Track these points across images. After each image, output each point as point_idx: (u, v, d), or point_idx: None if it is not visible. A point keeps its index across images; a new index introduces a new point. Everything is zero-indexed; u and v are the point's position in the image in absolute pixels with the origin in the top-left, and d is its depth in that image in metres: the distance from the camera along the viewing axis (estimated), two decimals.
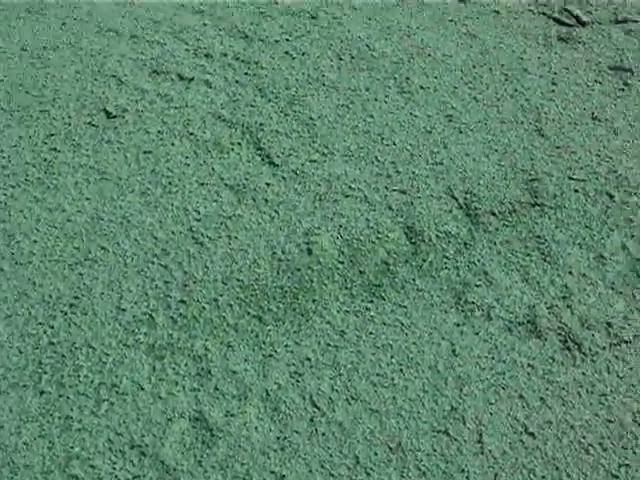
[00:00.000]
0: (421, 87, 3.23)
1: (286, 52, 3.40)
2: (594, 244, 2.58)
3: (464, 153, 2.92)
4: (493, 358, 2.25)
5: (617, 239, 2.60)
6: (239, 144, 2.96)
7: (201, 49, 3.43)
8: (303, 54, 3.39)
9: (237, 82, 3.24)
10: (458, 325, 2.34)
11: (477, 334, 2.31)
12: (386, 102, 3.15)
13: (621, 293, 2.43)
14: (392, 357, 2.25)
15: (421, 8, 3.67)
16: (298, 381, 2.20)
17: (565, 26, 3.57)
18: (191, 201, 2.74)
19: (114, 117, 3.08)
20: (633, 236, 2.60)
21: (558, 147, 2.95)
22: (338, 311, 2.38)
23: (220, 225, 2.65)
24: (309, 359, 2.26)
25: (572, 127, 3.04)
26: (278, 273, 2.50)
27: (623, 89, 3.23)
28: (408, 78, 3.27)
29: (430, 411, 2.12)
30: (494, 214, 2.68)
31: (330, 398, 2.16)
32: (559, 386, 2.18)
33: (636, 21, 3.54)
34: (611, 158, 2.91)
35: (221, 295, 2.44)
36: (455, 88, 3.22)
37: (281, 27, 3.55)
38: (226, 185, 2.79)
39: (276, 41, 3.46)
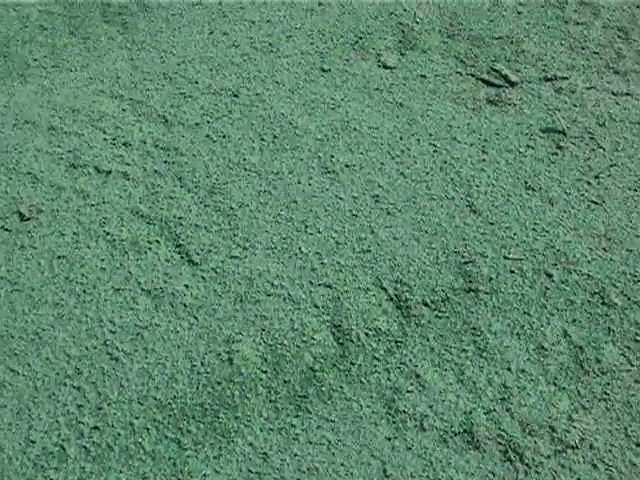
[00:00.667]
0: (346, 165, 3.07)
1: (207, 135, 3.24)
2: (533, 332, 2.41)
3: (392, 237, 2.76)
4: (428, 477, 2.06)
5: (558, 325, 2.43)
6: (157, 242, 2.78)
7: (119, 137, 3.27)
8: (224, 136, 3.23)
9: (156, 172, 3.08)
10: (389, 439, 2.15)
11: (410, 449, 2.13)
12: (310, 184, 2.99)
13: (564, 389, 2.25)
14: None
15: (346, 78, 3.53)
16: None
17: (494, 87, 3.43)
18: (106, 311, 2.56)
19: (28, 219, 2.91)
20: (574, 320, 2.43)
21: (491, 223, 2.79)
22: (261, 429, 2.20)
23: (136, 336, 2.47)
24: None
25: (505, 199, 2.88)
26: (198, 388, 2.31)
27: (556, 153, 3.08)
28: (333, 156, 3.11)
29: None
30: (426, 304, 2.51)
31: None
32: None
33: (565, 78, 3.41)
34: (548, 231, 2.75)
35: (137, 418, 2.25)
36: (382, 164, 3.07)
37: (202, 108, 3.39)
38: (143, 290, 2.61)
39: (196, 124, 3.31)
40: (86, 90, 3.57)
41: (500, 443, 2.13)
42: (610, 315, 2.48)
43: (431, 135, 3.21)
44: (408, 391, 2.27)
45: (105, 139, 3.27)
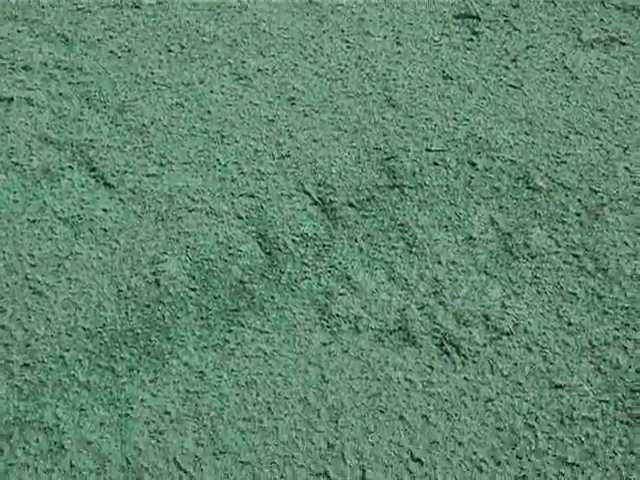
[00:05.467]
0: (259, 70, 2.96)
1: (111, 51, 3.09)
2: (461, 223, 2.39)
3: (312, 139, 2.69)
4: (367, 378, 2.04)
5: (485, 213, 2.40)
6: (70, 167, 2.67)
7: (18, 61, 3.10)
8: (129, 51, 3.09)
9: (61, 94, 2.93)
10: (325, 344, 2.12)
11: (346, 352, 2.10)
12: (223, 93, 2.88)
13: (495, 277, 2.24)
14: (258, 395, 2.04)
15: None
16: (159, 441, 1.97)
17: None
18: (24, 244, 2.46)
19: None
20: (501, 207, 2.41)
21: (411, 116, 2.73)
22: (195, 348, 2.15)
23: (58, 267, 2.38)
24: (169, 412, 2.02)
25: (423, 91, 2.82)
26: (126, 314, 2.25)
27: (472, 39, 3.01)
28: (244, 61, 3.00)
29: (306, 453, 1.92)
30: (352, 205, 2.47)
31: (196, 456, 1.94)
32: (441, 398, 1.99)
33: None
34: (468, 120, 2.70)
35: (67, 350, 2.18)
36: (295, 65, 2.97)
37: (102, 23, 3.23)
38: (60, 219, 2.51)
39: (99, 40, 3.15)
40: None
41: (436, 337, 2.12)
42: (536, 199, 2.46)
43: (343, 31, 3.11)
44: (340, 294, 2.24)
45: (3, 64, 3.10)
